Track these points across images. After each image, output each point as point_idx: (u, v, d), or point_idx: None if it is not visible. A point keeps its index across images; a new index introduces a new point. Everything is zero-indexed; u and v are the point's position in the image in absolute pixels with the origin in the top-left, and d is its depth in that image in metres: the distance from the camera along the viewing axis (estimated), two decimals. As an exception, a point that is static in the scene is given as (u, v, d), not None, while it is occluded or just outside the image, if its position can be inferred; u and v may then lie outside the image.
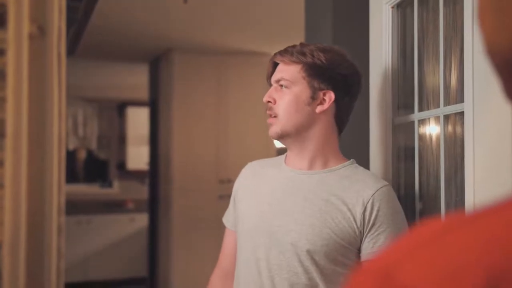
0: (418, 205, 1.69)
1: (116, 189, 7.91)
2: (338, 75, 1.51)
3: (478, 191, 1.33)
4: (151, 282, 6.00)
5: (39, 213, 1.13)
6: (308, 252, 1.44)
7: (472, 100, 1.35)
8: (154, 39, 5.02)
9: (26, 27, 1.01)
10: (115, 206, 7.58)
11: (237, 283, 1.59)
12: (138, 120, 7.54)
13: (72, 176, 7.48)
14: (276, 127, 1.52)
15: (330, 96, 1.51)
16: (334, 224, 1.44)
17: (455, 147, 1.52)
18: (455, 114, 1.51)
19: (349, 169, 1.54)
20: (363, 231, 1.44)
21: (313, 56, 1.50)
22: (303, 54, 1.51)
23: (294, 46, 1.55)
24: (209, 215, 5.11)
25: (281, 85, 1.53)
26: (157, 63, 5.83)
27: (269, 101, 1.54)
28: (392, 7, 1.81)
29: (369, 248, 1.44)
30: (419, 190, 1.69)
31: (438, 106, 1.57)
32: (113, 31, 4.72)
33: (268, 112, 1.55)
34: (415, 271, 0.36)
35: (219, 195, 5.10)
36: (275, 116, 1.53)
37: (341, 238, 1.43)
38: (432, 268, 0.35)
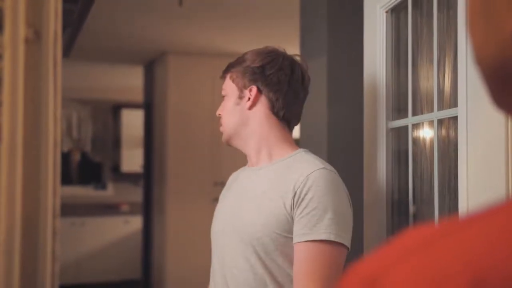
0: (411, 209, 1.70)
1: (110, 192, 7.90)
2: (255, 68, 1.59)
3: (471, 195, 1.34)
4: (145, 285, 5.99)
5: (34, 216, 1.13)
6: (252, 246, 1.48)
7: (466, 104, 1.36)
8: (149, 42, 5.02)
9: (22, 32, 1.01)
10: (109, 209, 7.56)
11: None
12: (132, 123, 7.53)
13: (66, 178, 7.46)
14: (223, 135, 1.67)
15: (253, 90, 1.59)
16: (267, 215, 1.48)
17: (448, 151, 1.53)
18: (449, 118, 1.52)
19: (293, 159, 1.56)
20: (294, 216, 1.45)
21: (238, 61, 1.64)
22: (233, 63, 1.65)
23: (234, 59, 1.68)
24: (203, 218, 5.09)
25: (223, 97, 1.67)
26: (152, 65, 5.83)
27: (219, 114, 1.68)
28: (386, 12, 1.82)
29: (296, 231, 1.44)
30: (413, 193, 1.70)
31: (432, 111, 1.58)
32: (108, 33, 4.72)
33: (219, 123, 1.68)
34: (402, 279, 0.36)
35: (213, 198, 5.09)
36: (222, 125, 1.66)
37: (276, 227, 1.46)
38: (417, 277, 0.36)
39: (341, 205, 1.46)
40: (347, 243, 1.44)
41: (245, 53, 1.64)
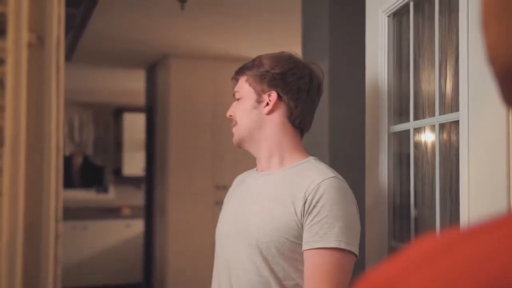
0: (413, 213, 1.70)
1: (112, 195, 7.90)
2: (275, 75, 1.59)
3: (473, 199, 1.34)
4: (147, 287, 5.99)
5: (37, 220, 1.14)
6: (259, 250, 1.49)
7: (467, 109, 1.36)
8: (150, 45, 5.03)
9: (25, 37, 1.02)
10: (111, 212, 7.56)
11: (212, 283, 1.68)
12: (134, 126, 7.53)
13: (68, 181, 7.46)
14: (235, 136, 1.66)
15: (273, 96, 1.59)
16: (277, 220, 1.49)
17: (450, 155, 1.53)
18: (451, 122, 1.52)
19: (303, 166, 1.57)
20: (304, 222, 1.47)
21: (254, 64, 1.62)
22: (249, 66, 1.64)
23: (249, 61, 1.66)
24: (205, 221, 5.10)
25: (237, 99, 1.66)
26: (153, 68, 5.84)
27: (231, 115, 1.66)
28: (388, 16, 1.82)
29: (306, 238, 1.46)
30: (414, 197, 1.70)
31: (434, 115, 1.58)
32: (110, 37, 4.72)
33: (231, 124, 1.67)
34: None
35: (215, 201, 5.09)
36: (236, 124, 1.64)
37: (285, 232, 1.47)
38: (431, 286, 0.36)
39: (350, 214, 1.48)
40: (356, 251, 1.47)
41: (260, 57, 1.64)
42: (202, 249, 5.09)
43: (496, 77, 0.45)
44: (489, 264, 0.35)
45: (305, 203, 1.46)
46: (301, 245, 1.47)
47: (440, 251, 0.39)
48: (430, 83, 1.64)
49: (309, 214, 1.45)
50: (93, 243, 7.06)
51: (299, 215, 1.47)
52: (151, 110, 5.96)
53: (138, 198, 7.33)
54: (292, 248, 1.48)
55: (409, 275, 0.38)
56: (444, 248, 0.39)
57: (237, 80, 1.67)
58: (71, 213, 6.74)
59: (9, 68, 1.01)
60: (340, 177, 1.53)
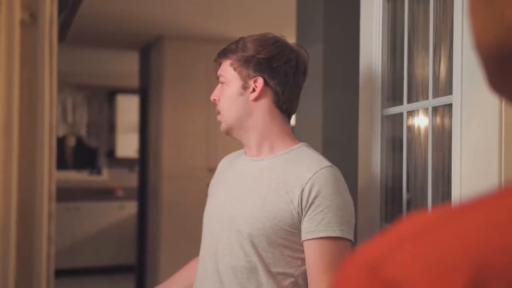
0: (405, 196, 1.71)
1: (105, 177, 7.89)
2: (261, 60, 1.55)
3: (465, 182, 1.35)
4: (140, 269, 6.01)
5: (30, 199, 1.14)
6: (249, 236, 1.49)
7: (461, 92, 1.37)
8: (144, 27, 4.99)
9: (18, 14, 1.01)
10: (104, 194, 7.56)
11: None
12: (128, 108, 7.51)
13: (61, 163, 7.44)
14: (222, 124, 1.62)
15: (259, 82, 1.56)
16: (272, 207, 1.49)
17: (443, 139, 1.54)
18: (444, 106, 1.52)
19: (296, 153, 1.57)
20: (301, 212, 1.47)
21: (238, 48, 1.58)
22: (233, 49, 1.59)
23: (232, 43, 1.62)
24: (198, 203, 5.09)
25: (221, 82, 1.62)
26: (147, 50, 5.81)
27: (214, 99, 1.63)
28: (383, -1, 1.82)
29: (308, 227, 1.46)
30: (407, 181, 1.70)
31: (427, 98, 1.59)
32: (104, 18, 4.69)
33: (215, 110, 1.64)
34: (403, 265, 0.37)
35: (207, 183, 5.08)
36: (220, 113, 1.62)
37: (279, 220, 1.47)
38: (419, 262, 0.36)
39: (347, 202, 1.50)
40: (352, 237, 1.50)
41: (244, 40, 1.59)
42: (195, 231, 5.09)
43: (482, 63, 0.45)
44: (482, 243, 0.35)
45: (302, 192, 1.46)
46: (294, 233, 1.48)
47: (431, 227, 0.39)
48: (424, 66, 1.64)
49: (311, 204, 1.46)
50: (86, 224, 7.07)
51: (295, 204, 1.47)
52: (145, 92, 5.94)
53: (131, 180, 7.32)
54: (284, 236, 1.48)
55: (398, 250, 0.38)
56: (434, 224, 0.39)
57: (220, 63, 1.64)
58: (64, 194, 6.73)
59: (1, 46, 1.00)
60: (334, 166, 1.53)
